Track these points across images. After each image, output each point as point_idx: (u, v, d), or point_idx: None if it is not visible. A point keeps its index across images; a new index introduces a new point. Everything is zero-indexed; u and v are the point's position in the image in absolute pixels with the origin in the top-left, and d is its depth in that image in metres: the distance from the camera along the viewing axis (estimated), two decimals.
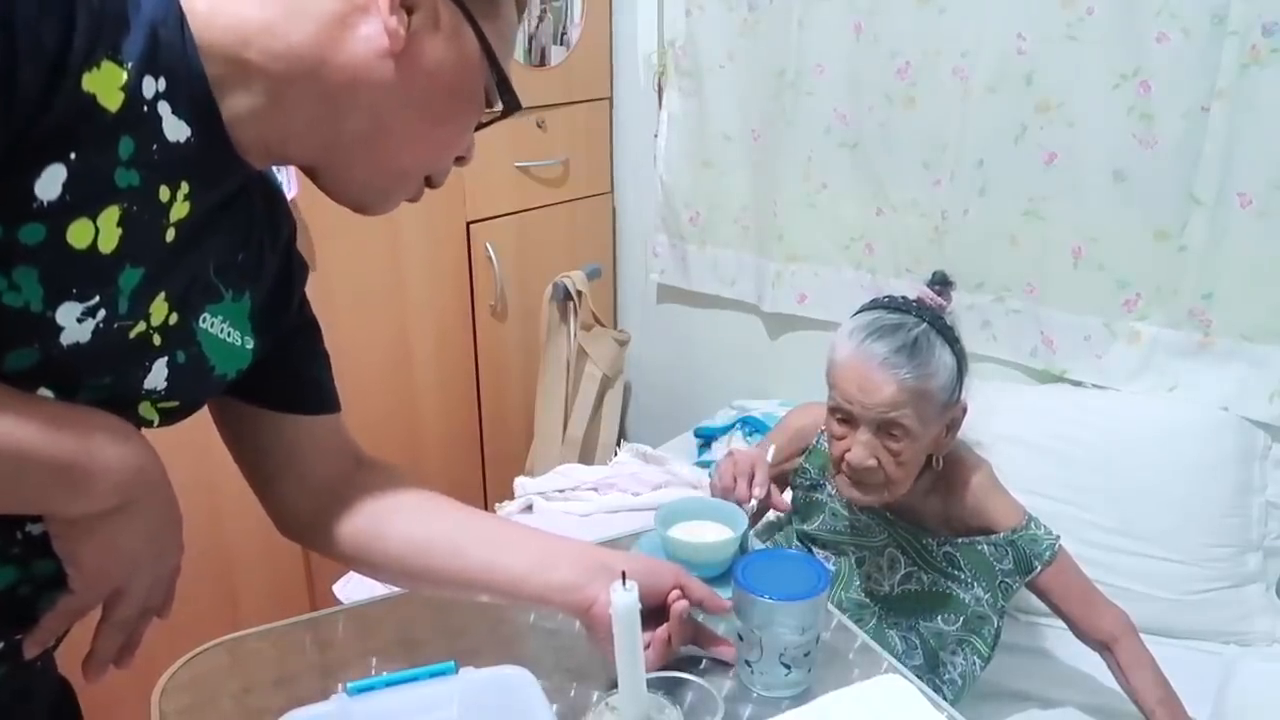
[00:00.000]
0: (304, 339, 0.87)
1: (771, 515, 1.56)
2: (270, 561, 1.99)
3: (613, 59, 2.45)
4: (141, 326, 0.63)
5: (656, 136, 2.38)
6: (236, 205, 0.72)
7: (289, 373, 0.84)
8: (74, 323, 0.58)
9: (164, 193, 0.61)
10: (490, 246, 2.24)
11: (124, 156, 0.57)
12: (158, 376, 0.66)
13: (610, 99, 2.49)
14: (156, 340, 0.65)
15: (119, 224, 0.58)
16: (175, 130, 0.60)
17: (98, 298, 0.58)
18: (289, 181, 1.80)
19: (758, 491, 1.28)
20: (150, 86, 0.57)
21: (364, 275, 2.02)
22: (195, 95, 0.61)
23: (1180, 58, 1.59)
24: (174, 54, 0.59)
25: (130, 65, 0.56)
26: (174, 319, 0.66)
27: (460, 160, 0.76)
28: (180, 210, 0.63)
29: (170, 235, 0.63)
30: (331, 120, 0.66)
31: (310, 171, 0.71)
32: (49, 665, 0.81)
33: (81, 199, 0.55)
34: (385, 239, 2.05)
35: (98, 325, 0.59)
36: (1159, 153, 1.65)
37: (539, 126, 2.30)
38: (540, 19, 2.25)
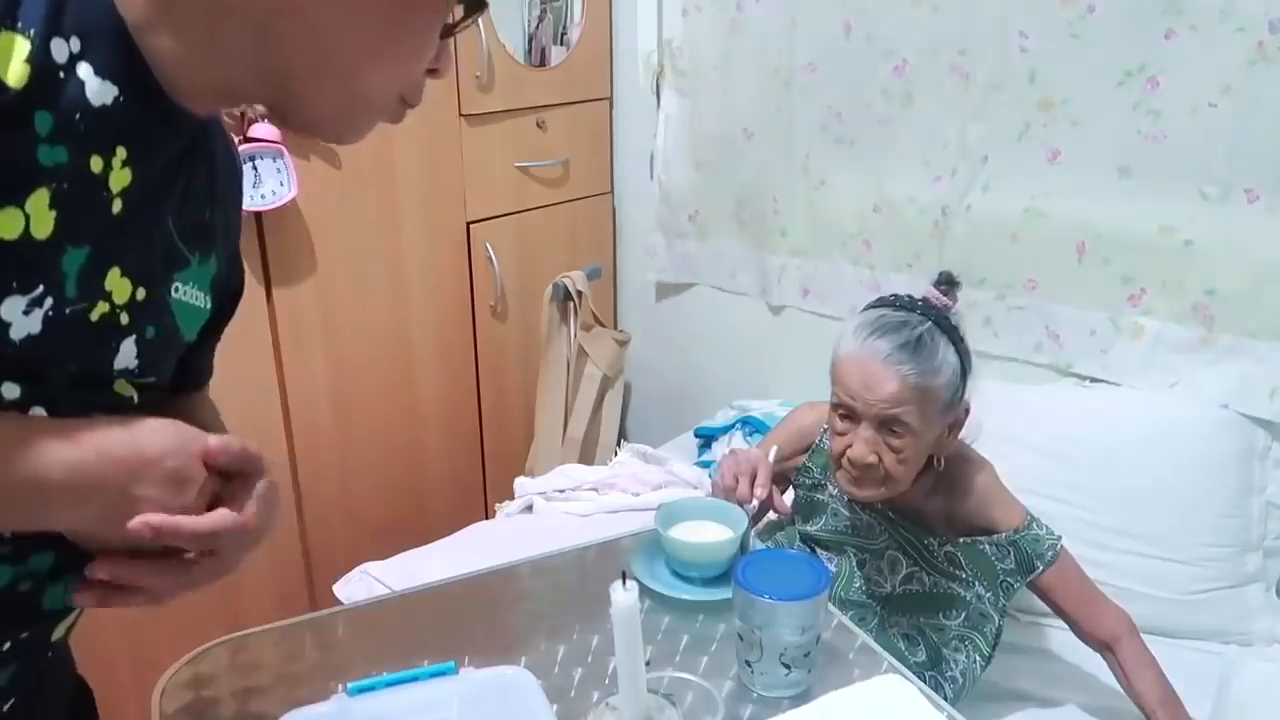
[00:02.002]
0: (227, 313, 0.80)
1: (772, 515, 1.56)
2: (270, 561, 1.99)
3: (613, 59, 2.45)
4: (105, 307, 0.60)
5: (656, 136, 2.38)
6: (197, 159, 0.67)
7: (189, 350, 0.76)
8: (20, 316, 0.55)
9: (96, 163, 0.56)
10: (490, 246, 2.24)
11: (43, 133, 0.53)
12: (127, 355, 0.63)
13: (610, 99, 2.49)
14: (124, 319, 0.62)
15: (51, 206, 0.54)
16: (100, 93, 0.55)
17: (41, 286, 0.55)
18: (289, 181, 1.80)
19: (759, 492, 1.28)
20: (61, 50, 0.53)
21: (364, 275, 2.02)
22: (117, 49, 0.56)
23: (1188, 54, 1.59)
24: (83, 7, 0.54)
25: (32, 32, 0.51)
26: (141, 294, 0.63)
27: (433, 73, 0.68)
28: (121, 179, 0.58)
29: (116, 207, 0.59)
30: (273, 50, 0.60)
31: (272, 109, 0.66)
32: (67, 664, 0.80)
33: (2, 188, 0.52)
34: (385, 239, 2.05)
35: (47, 314, 0.56)
36: (1166, 148, 1.65)
37: (539, 126, 2.30)
38: (540, 19, 2.25)
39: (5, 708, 0.68)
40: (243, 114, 1.73)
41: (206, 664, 1.03)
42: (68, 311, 0.57)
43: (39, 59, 0.51)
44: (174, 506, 0.60)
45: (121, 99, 0.56)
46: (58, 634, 0.70)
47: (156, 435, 0.60)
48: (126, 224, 0.60)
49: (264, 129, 1.76)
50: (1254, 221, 1.59)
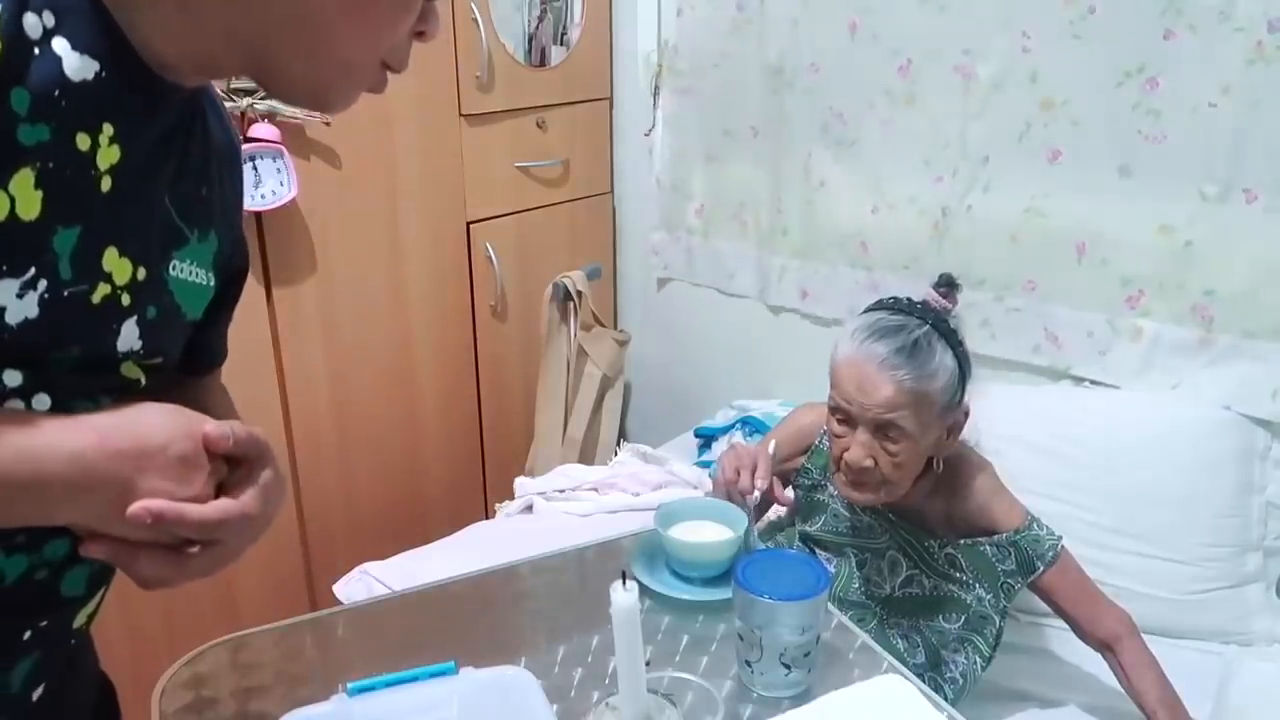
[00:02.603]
0: (233, 291, 0.80)
1: (773, 515, 1.56)
2: (270, 561, 1.99)
3: (613, 59, 2.45)
4: (106, 289, 0.59)
5: (648, 134, 2.38)
6: (189, 134, 0.66)
7: (199, 330, 0.74)
8: (14, 299, 0.54)
9: (83, 140, 0.55)
10: (490, 246, 2.24)
11: (21, 111, 0.51)
12: (130, 337, 0.62)
13: (610, 99, 2.49)
14: (125, 300, 0.61)
15: (37, 186, 0.53)
16: (80, 68, 0.54)
17: (33, 269, 0.54)
18: (289, 181, 1.80)
19: (760, 483, 1.27)
20: (34, 25, 0.51)
21: (364, 275, 2.02)
22: (93, 23, 0.55)
23: (1187, 54, 1.59)
24: None
25: (1, 6, 0.50)
26: (142, 274, 0.62)
27: (421, 35, 0.65)
28: (110, 156, 0.57)
29: (106, 185, 0.58)
30: (251, 16, 0.59)
31: (253, 78, 0.64)
32: (92, 657, 0.80)
33: None
34: (385, 239, 2.05)
35: (42, 296, 0.55)
36: (1167, 149, 1.65)
37: (539, 126, 2.30)
38: (540, 19, 2.25)
39: (35, 695, 0.68)
40: (243, 114, 1.73)
41: (206, 664, 1.03)
42: (66, 294, 0.57)
43: (9, 34, 0.50)
44: (181, 495, 0.59)
45: (104, 74, 0.55)
46: (79, 621, 0.70)
47: (159, 423, 0.59)
48: (118, 202, 0.59)
49: (264, 129, 1.76)
50: (1253, 222, 1.59)
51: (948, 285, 1.29)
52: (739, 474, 1.28)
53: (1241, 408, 1.66)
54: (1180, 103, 1.62)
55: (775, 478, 1.32)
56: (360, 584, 1.60)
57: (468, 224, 2.20)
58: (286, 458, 1.98)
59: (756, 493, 1.27)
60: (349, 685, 0.85)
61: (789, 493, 1.43)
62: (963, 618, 1.34)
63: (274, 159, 1.78)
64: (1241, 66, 1.54)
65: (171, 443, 0.59)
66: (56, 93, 0.53)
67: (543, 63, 2.28)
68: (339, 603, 1.48)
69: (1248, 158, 1.57)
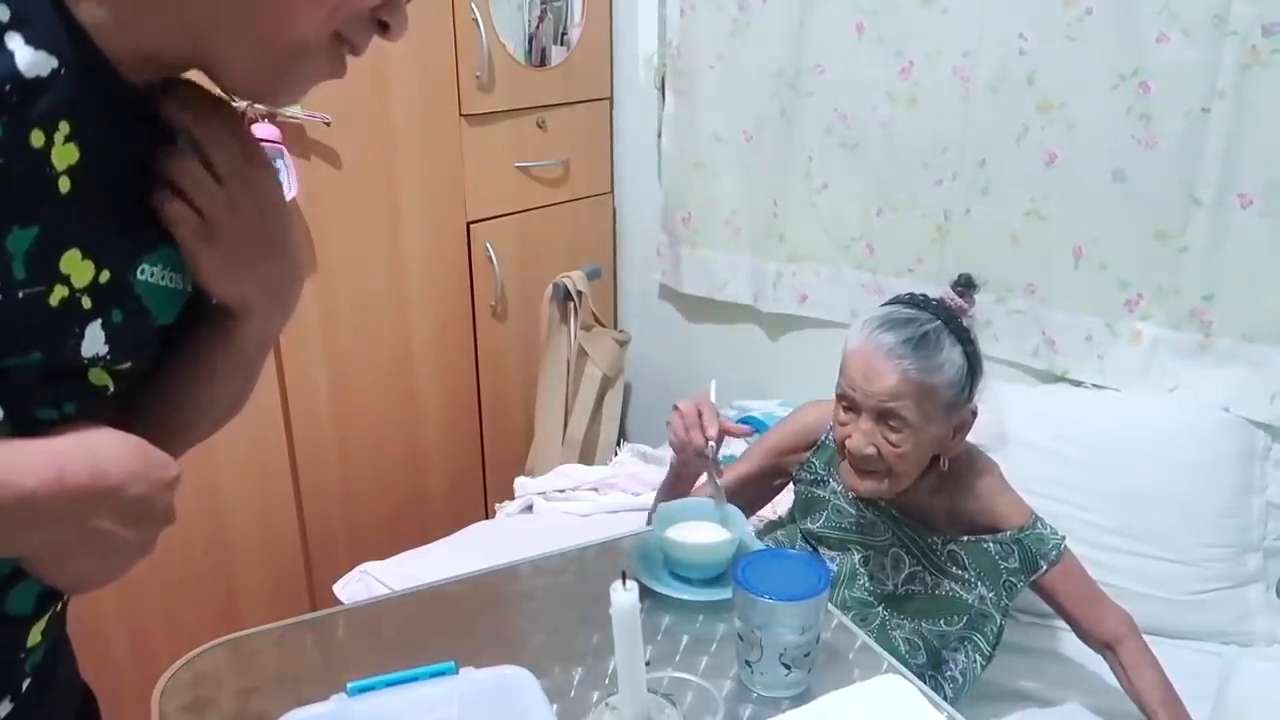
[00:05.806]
0: None
1: (773, 514, 1.56)
2: (270, 561, 1.99)
3: (613, 59, 2.45)
4: (64, 291, 0.57)
5: (660, 137, 2.38)
6: (160, 134, 0.64)
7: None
8: None
9: (37, 138, 0.54)
10: (490, 246, 2.24)
11: None
12: (95, 341, 0.60)
13: (610, 99, 2.49)
14: (86, 303, 0.59)
15: None
16: (34, 64, 0.52)
17: None
18: (289, 181, 1.80)
19: (710, 432, 1.26)
20: None
21: (364, 275, 2.03)
22: (51, 18, 0.54)
23: (1181, 58, 1.59)
24: None
25: None
26: (105, 277, 0.60)
27: (386, 30, 0.64)
28: (66, 155, 0.56)
29: (65, 185, 0.56)
30: (202, 5, 0.58)
31: (202, 68, 0.62)
32: (69, 669, 0.78)
33: None
34: (385, 239, 2.05)
35: None
36: (1159, 153, 1.65)
37: (539, 126, 2.30)
38: (540, 19, 2.25)
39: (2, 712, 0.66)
40: (243, 114, 1.73)
41: (206, 664, 1.03)
42: (20, 295, 0.55)
43: None
44: (128, 539, 0.57)
45: (62, 71, 0.54)
46: (33, 639, 0.67)
47: (119, 459, 0.57)
48: (78, 203, 0.57)
49: (264, 129, 1.76)
50: (1249, 225, 1.60)
51: (965, 285, 1.30)
52: (690, 433, 1.27)
53: (1240, 410, 1.66)
54: (1174, 106, 1.61)
55: (723, 418, 1.29)
56: (360, 584, 1.60)
57: (468, 224, 2.20)
58: (287, 458, 1.98)
59: (712, 443, 1.26)
60: (349, 685, 0.85)
61: (786, 502, 1.42)
62: (964, 618, 1.34)
63: (274, 159, 1.78)
64: (1236, 70, 1.54)
65: (129, 483, 0.56)
66: (8, 88, 0.52)
67: (543, 63, 2.28)
68: (339, 603, 1.48)
69: (1243, 162, 1.57)
